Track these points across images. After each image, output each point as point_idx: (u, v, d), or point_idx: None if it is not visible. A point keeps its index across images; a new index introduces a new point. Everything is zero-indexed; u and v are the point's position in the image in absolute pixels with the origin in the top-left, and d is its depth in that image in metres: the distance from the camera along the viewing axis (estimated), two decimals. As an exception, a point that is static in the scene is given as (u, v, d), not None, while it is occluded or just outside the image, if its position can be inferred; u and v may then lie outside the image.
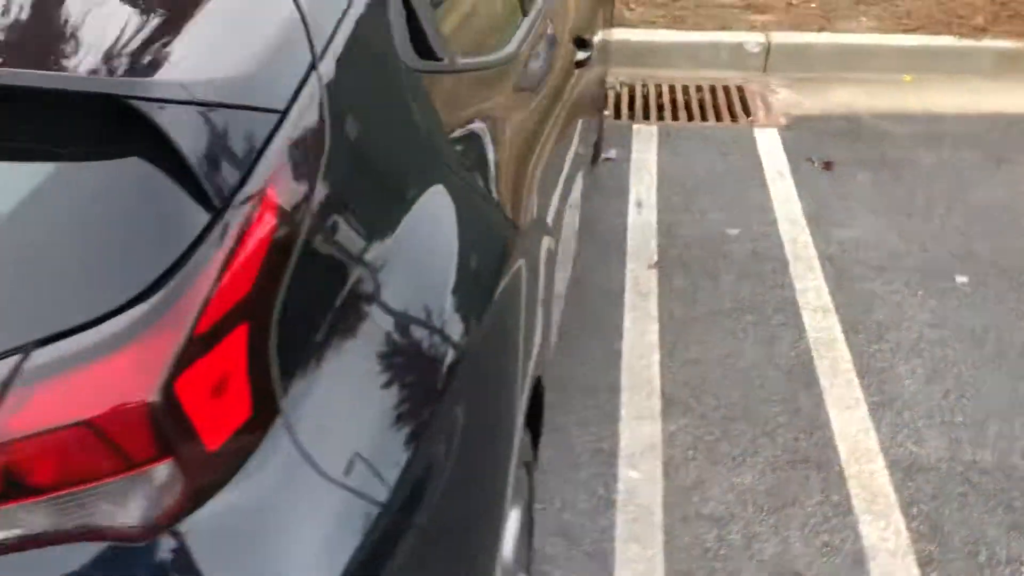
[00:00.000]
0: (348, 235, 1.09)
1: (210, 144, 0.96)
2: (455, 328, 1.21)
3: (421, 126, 1.35)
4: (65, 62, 0.96)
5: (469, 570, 1.27)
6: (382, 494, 1.02)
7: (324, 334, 1.03)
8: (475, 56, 1.68)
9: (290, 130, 1.04)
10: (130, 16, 1.04)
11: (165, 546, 0.87)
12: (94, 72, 0.93)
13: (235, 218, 0.95)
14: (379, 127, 1.24)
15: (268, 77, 1.05)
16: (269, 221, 0.98)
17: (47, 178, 0.91)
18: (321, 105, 1.11)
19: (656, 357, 2.83)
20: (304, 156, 1.06)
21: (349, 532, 0.97)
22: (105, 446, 0.83)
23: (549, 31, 2.21)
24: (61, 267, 0.88)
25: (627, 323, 2.99)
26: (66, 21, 1.01)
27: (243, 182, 0.97)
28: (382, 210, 1.17)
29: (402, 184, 1.24)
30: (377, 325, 1.10)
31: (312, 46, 1.14)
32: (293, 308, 0.99)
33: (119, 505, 0.86)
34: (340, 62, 1.17)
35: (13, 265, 0.87)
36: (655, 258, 3.32)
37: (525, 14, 2.08)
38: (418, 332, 1.16)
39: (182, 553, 0.87)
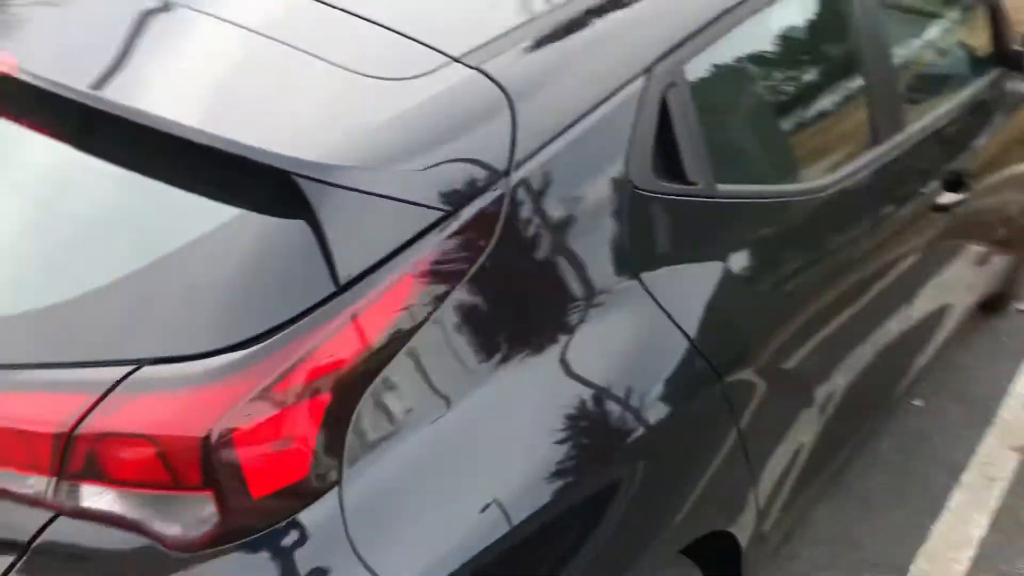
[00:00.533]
0: (469, 346, 1.12)
1: (362, 226, 1.05)
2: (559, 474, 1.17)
3: (625, 250, 1.31)
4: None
5: None
6: None
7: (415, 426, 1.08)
8: (760, 184, 1.59)
9: (451, 231, 1.10)
10: (343, 95, 1.16)
11: (192, 565, 0.98)
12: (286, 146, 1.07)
13: (353, 298, 1.03)
14: (568, 243, 1.24)
15: (445, 180, 1.11)
16: (388, 310, 1.05)
17: (214, 223, 1.07)
18: (498, 214, 1.14)
19: (969, 554, 2.45)
20: (458, 259, 1.11)
21: None
22: (162, 463, 0.96)
23: (911, 166, 2.01)
24: (195, 300, 1.03)
25: (952, 504, 2.62)
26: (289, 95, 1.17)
27: (378, 267, 1.05)
28: (520, 324, 1.18)
29: (560, 303, 1.23)
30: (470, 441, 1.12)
31: (512, 154, 1.18)
32: (389, 396, 1.05)
33: (163, 515, 0.98)
34: (539, 175, 1.20)
35: (161, 288, 1.04)
36: (1024, 442, 2.86)
37: (876, 143, 1.92)
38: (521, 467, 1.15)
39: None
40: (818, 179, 1.72)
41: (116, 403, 0.98)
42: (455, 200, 1.12)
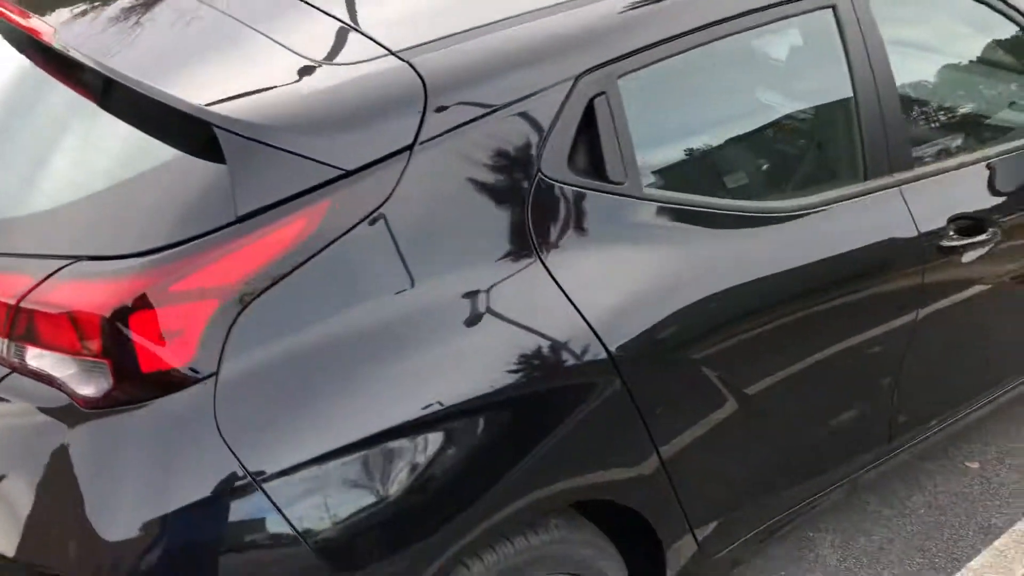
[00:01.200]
0: (348, 284, 1.34)
1: (266, 172, 1.31)
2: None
3: (524, 229, 1.49)
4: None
5: None
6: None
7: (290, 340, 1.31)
8: (700, 196, 1.72)
9: (346, 187, 1.33)
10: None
11: (93, 419, 1.25)
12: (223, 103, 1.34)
13: (248, 229, 1.28)
14: (463, 214, 1.44)
15: (343, 142, 1.35)
16: (277, 244, 1.29)
17: (155, 161, 1.35)
18: (396, 180, 1.37)
19: (974, 613, 2.40)
20: (350, 213, 1.34)
21: (198, 486, 1.23)
22: (75, 333, 1.24)
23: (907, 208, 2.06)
24: (127, 218, 1.31)
25: (974, 564, 2.56)
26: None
27: (274, 207, 1.30)
28: (399, 276, 1.38)
29: (437, 268, 1.42)
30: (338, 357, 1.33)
31: (418, 134, 1.40)
32: (268, 313, 1.29)
33: (77, 378, 1.26)
34: (442, 154, 1.41)
35: (105, 207, 1.33)
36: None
37: (867, 177, 1.99)
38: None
39: (86, 430, 1.25)
40: (772, 202, 1.83)
41: (52, 285, 1.27)
42: (355, 162, 1.36)
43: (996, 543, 2.63)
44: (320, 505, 1.31)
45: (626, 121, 1.61)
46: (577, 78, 1.56)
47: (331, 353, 1.33)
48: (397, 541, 1.36)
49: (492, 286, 1.45)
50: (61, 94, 1.54)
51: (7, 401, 1.32)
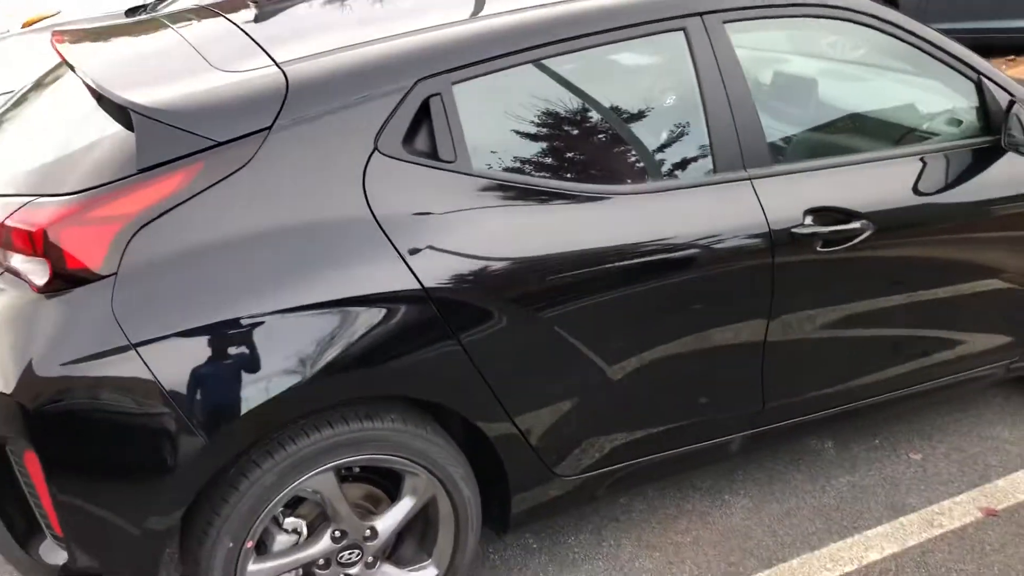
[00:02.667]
0: (215, 220, 1.93)
1: (161, 140, 1.94)
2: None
3: (361, 191, 2.03)
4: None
5: None
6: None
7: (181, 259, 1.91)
8: (523, 176, 2.20)
9: (217, 154, 1.95)
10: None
11: (42, 301, 1.91)
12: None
13: (145, 179, 1.92)
14: (311, 177, 2.01)
15: (216, 122, 1.96)
16: (168, 185, 1.92)
17: (98, 135, 2.02)
18: (255, 150, 1.97)
19: (846, 569, 2.66)
20: (217, 171, 1.95)
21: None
22: (29, 240, 1.90)
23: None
24: (66, 173, 1.98)
25: (871, 532, 2.81)
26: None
27: (164, 164, 1.93)
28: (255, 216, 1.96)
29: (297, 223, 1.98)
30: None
31: (277, 117, 2.00)
32: (157, 238, 1.91)
33: (26, 266, 1.92)
34: (295, 129, 2.00)
35: (60, 165, 2.00)
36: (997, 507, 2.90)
37: (716, 171, 2.39)
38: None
39: (35, 304, 1.91)
40: (595, 184, 2.28)
41: (21, 212, 1.94)
42: (224, 136, 1.97)
43: (901, 518, 2.86)
44: (185, 369, 1.90)
45: (458, 116, 2.13)
46: (416, 83, 2.10)
47: (196, 263, 1.92)
48: (239, 404, 1.93)
49: (325, 222, 2.00)
50: (68, 95, 2.27)
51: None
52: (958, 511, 2.88)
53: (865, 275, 2.62)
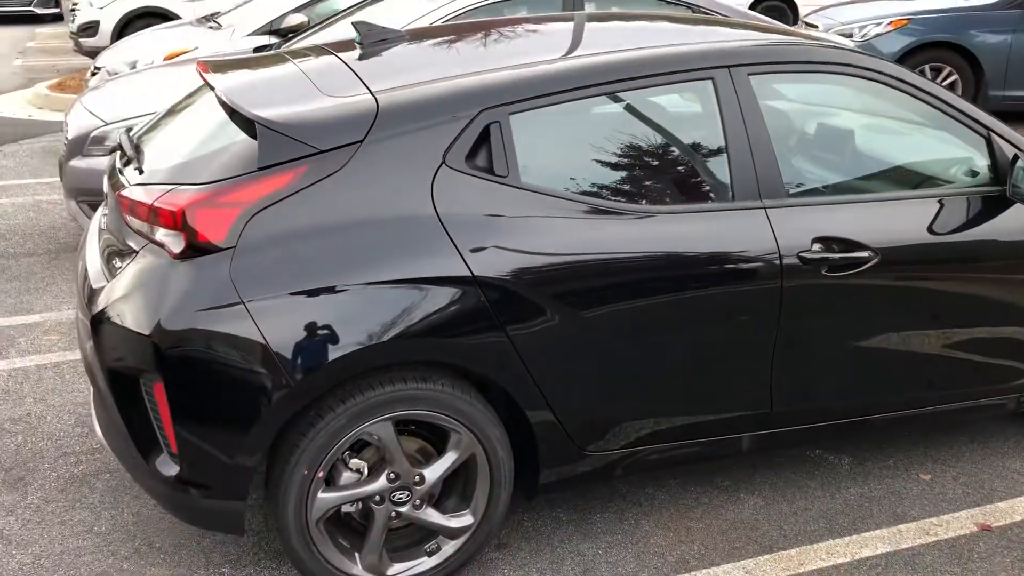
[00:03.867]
0: (316, 212, 2.45)
1: (277, 145, 2.48)
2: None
3: (430, 197, 2.52)
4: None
5: None
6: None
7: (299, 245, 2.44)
8: (570, 193, 2.67)
9: (319, 158, 2.48)
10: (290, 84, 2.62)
11: (177, 265, 2.45)
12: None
13: (262, 175, 2.46)
14: (393, 182, 2.51)
15: (321, 134, 2.49)
16: (280, 181, 2.45)
17: (230, 140, 2.58)
18: (349, 158, 2.49)
19: (836, 561, 2.98)
20: (318, 172, 2.48)
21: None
22: (171, 218, 2.45)
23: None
24: (201, 168, 2.53)
25: (867, 535, 3.11)
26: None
27: (277, 165, 2.47)
28: (347, 208, 2.47)
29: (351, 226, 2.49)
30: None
31: (368, 133, 2.52)
32: (273, 221, 2.43)
33: (168, 237, 2.47)
34: (381, 143, 2.52)
35: (197, 161, 2.56)
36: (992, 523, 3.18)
37: (735, 198, 2.81)
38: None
39: (172, 266, 2.45)
40: (631, 203, 2.72)
41: (166, 196, 2.50)
42: (326, 146, 2.49)
43: (900, 525, 3.16)
44: (283, 325, 2.40)
45: (512, 140, 2.61)
46: (480, 112, 2.60)
47: (296, 243, 2.43)
48: (322, 357, 2.42)
49: (400, 218, 2.50)
50: (206, 110, 2.85)
51: (146, 256, 2.56)
52: (955, 524, 3.17)
53: (868, 301, 2.97)
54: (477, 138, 2.60)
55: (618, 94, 2.78)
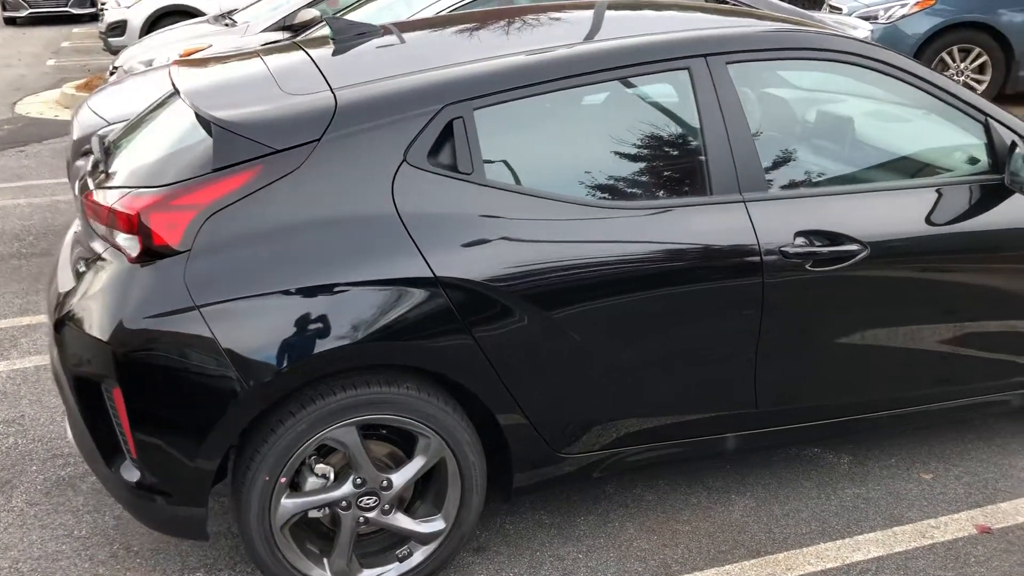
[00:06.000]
0: (270, 212, 2.40)
1: (231, 146, 2.43)
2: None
3: (390, 195, 2.46)
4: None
5: None
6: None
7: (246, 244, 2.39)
8: (548, 187, 2.58)
9: (274, 159, 2.43)
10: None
11: (134, 269, 2.42)
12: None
13: (216, 177, 2.42)
14: (351, 182, 2.46)
15: (276, 134, 2.44)
16: (235, 182, 2.41)
17: (191, 141, 2.54)
18: (305, 156, 2.44)
19: (828, 566, 2.88)
20: (274, 173, 2.43)
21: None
22: (127, 221, 2.42)
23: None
24: (158, 171, 2.49)
25: (862, 537, 3.01)
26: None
27: (231, 167, 2.42)
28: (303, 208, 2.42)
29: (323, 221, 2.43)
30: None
31: (325, 131, 2.46)
32: (226, 224, 2.39)
33: (125, 241, 2.44)
34: (339, 141, 2.46)
35: (157, 164, 2.53)
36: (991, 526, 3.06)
37: (711, 192, 2.71)
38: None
39: (129, 270, 2.41)
40: (597, 198, 2.64)
41: (124, 199, 2.47)
42: (282, 145, 2.44)
43: (895, 528, 3.05)
44: (239, 330, 2.36)
45: (477, 136, 2.54)
46: (443, 107, 2.53)
47: (253, 245, 2.39)
48: (277, 362, 2.37)
49: (359, 218, 2.44)
50: (176, 112, 2.81)
51: (106, 261, 2.54)
52: (953, 526, 3.05)
53: (859, 296, 2.86)
54: (440, 134, 2.53)
55: (589, 87, 2.69)
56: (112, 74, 7.70)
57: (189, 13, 11.73)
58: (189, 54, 7.19)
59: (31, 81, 12.00)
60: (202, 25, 8.44)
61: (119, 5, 11.96)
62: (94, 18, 18.14)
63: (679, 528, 3.04)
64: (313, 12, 7.09)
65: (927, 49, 7.58)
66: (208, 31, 7.96)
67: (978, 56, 7.73)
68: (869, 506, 3.15)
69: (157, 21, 11.83)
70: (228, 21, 8.01)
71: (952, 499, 3.19)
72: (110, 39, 11.83)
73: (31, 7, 18.91)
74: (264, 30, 7.31)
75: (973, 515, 3.10)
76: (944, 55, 7.67)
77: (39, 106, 10.24)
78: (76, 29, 17.79)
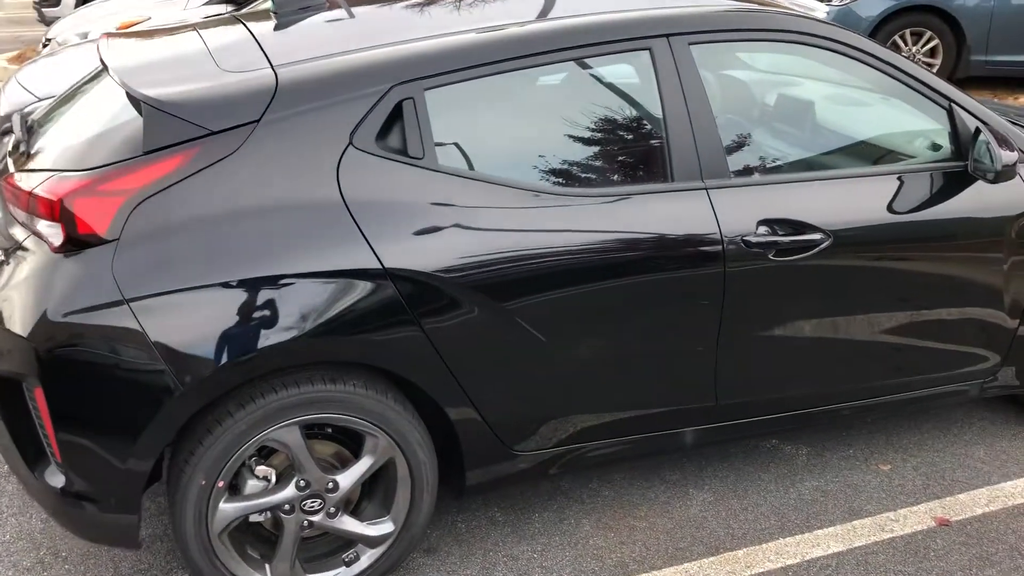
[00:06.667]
0: (209, 198, 2.24)
1: (162, 127, 2.26)
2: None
3: (334, 180, 2.31)
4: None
5: None
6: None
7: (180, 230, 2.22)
8: (488, 174, 2.45)
9: (211, 141, 2.26)
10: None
11: (57, 259, 2.24)
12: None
13: (147, 160, 2.24)
14: (292, 165, 2.30)
15: (212, 114, 2.27)
16: (167, 166, 2.24)
17: (122, 119, 2.35)
18: (244, 139, 2.28)
19: (789, 562, 2.81)
20: (211, 155, 2.26)
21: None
22: (49, 207, 2.24)
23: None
24: (86, 153, 2.31)
25: (820, 532, 2.95)
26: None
27: (165, 148, 2.25)
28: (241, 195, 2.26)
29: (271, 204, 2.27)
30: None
31: (264, 112, 2.30)
32: (156, 210, 2.22)
33: (48, 229, 2.26)
34: (281, 123, 2.30)
35: (86, 144, 2.34)
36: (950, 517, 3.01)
37: (672, 179, 2.60)
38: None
39: (52, 260, 2.23)
40: (552, 184, 2.51)
41: (47, 183, 2.28)
42: (218, 126, 2.27)
43: (855, 521, 2.99)
44: (171, 325, 2.20)
45: (428, 118, 2.39)
46: (392, 87, 2.38)
47: (186, 234, 2.22)
48: (212, 359, 2.22)
49: (301, 205, 2.29)
50: (105, 90, 2.62)
51: (27, 250, 2.35)
52: (912, 519, 3.00)
53: (821, 285, 2.78)
54: (388, 116, 2.38)
55: (545, 67, 2.55)
56: (45, 47, 7.38)
57: (128, -16, 11.32)
58: (127, 27, 6.89)
59: (-40, 53, 11.50)
60: (141, -4, 8.12)
61: (53, -26, 11.52)
62: (29, -13, 17.49)
63: (636, 524, 2.95)
64: (256, -16, 6.84)
65: (879, 32, 7.55)
66: (147, 2, 7.66)
67: (929, 40, 7.73)
68: (828, 499, 3.10)
69: (94, -9, 11.41)
70: (168, -8, 7.71)
71: (911, 491, 3.14)
72: (44, 9, 11.40)
73: (-39, -25, 18.15)
74: (206, 3, 7.05)
75: (932, 507, 3.05)
76: (896, 38, 7.65)
77: (-32, 79, 9.80)
78: (9, -1, 17.15)
